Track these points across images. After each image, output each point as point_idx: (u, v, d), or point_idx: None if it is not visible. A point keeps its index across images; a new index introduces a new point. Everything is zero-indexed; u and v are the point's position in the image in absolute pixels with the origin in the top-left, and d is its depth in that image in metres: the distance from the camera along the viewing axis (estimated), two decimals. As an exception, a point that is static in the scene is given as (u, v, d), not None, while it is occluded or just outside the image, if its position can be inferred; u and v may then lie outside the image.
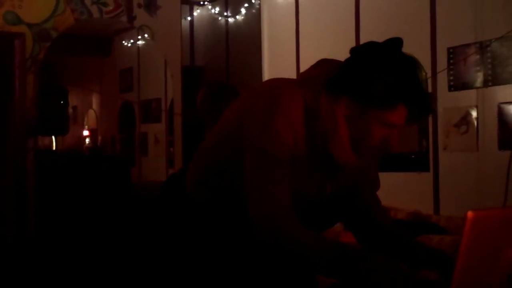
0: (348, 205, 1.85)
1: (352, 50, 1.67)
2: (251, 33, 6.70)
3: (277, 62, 6.42)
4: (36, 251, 5.16)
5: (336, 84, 1.65)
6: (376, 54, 1.62)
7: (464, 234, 1.32)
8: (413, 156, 4.83)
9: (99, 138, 10.17)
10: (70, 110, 9.17)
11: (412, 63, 1.64)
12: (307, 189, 1.72)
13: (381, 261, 1.61)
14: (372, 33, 4.99)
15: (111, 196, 5.42)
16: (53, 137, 8.64)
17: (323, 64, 1.73)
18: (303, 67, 5.87)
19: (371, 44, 1.66)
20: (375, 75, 1.59)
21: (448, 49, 4.53)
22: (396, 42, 1.65)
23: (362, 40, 5.08)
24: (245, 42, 6.84)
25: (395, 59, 1.62)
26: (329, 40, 5.61)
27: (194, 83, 7.17)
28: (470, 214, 1.31)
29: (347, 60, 1.66)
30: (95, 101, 10.52)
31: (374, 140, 1.64)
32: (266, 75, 6.52)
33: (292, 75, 6.04)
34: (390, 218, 1.94)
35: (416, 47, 4.59)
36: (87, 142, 10.42)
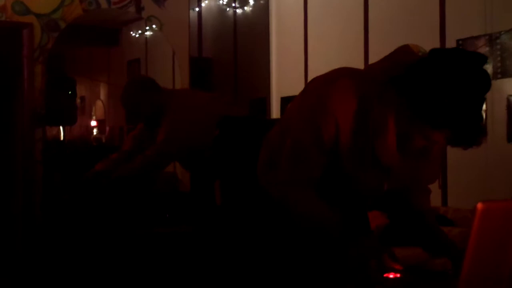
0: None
1: (431, 52, 1.61)
2: (259, 24, 6.69)
3: (285, 53, 6.40)
4: (44, 241, 5.18)
5: (399, 84, 1.63)
6: (449, 68, 1.55)
7: (474, 225, 1.32)
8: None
9: (107, 128, 10.18)
10: (78, 100, 9.18)
11: (483, 89, 1.58)
12: (364, 183, 1.75)
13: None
14: (381, 24, 4.96)
15: (119, 187, 5.42)
16: (60, 128, 8.66)
17: (398, 55, 1.69)
18: (311, 58, 5.88)
19: (451, 53, 1.59)
20: (436, 91, 1.55)
21: (458, 41, 4.50)
22: (479, 60, 1.58)
23: (371, 31, 5.05)
24: (253, 33, 6.83)
25: (467, 80, 1.55)
26: (337, 30, 5.59)
27: (202, 74, 7.16)
28: (479, 205, 1.31)
29: (419, 61, 1.60)
30: (103, 91, 10.52)
31: (414, 147, 1.64)
32: (274, 66, 6.51)
33: (300, 66, 6.03)
34: (427, 204, 1.98)
35: (425, 38, 4.57)
36: (94, 133, 10.44)
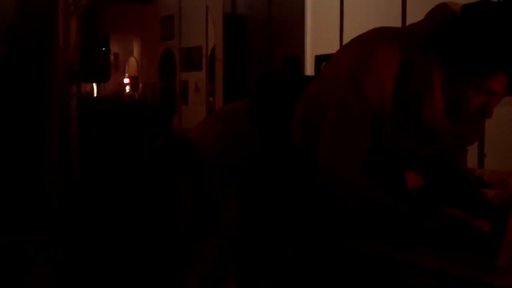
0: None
1: (463, 7, 1.56)
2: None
3: (320, 11, 6.31)
4: (80, 196, 5.26)
5: (437, 43, 1.57)
6: (485, 16, 1.52)
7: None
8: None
9: (140, 86, 10.23)
10: (112, 57, 9.22)
11: None
12: (399, 148, 1.71)
13: (440, 214, 1.61)
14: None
15: (152, 143, 5.48)
16: (94, 84, 8.73)
17: (438, 15, 1.64)
18: (347, 16, 5.79)
19: (483, 3, 1.55)
20: (478, 38, 1.50)
21: (499, -2, 4.39)
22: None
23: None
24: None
25: (505, 22, 1.50)
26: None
27: (236, 31, 7.11)
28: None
29: (454, 18, 1.56)
30: (136, 48, 10.55)
31: (471, 107, 1.58)
32: (309, 24, 6.43)
33: (336, 24, 5.94)
34: (464, 164, 1.94)
35: None
36: (127, 90, 10.50)
